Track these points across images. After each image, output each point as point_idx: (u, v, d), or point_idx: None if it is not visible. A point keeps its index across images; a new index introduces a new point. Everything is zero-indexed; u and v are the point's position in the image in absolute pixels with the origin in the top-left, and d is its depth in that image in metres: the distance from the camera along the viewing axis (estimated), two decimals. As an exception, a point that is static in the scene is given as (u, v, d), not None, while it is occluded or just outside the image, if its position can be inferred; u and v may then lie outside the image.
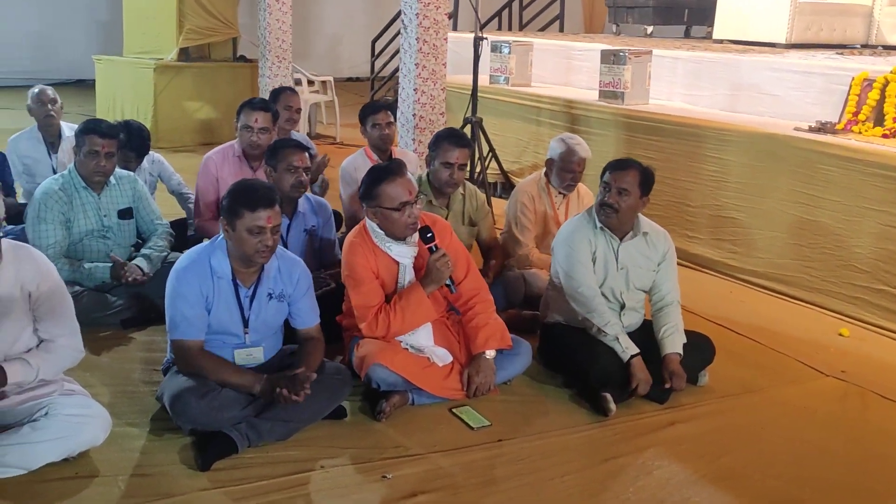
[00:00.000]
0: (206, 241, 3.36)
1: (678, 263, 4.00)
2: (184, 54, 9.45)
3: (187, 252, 3.33)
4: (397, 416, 3.44)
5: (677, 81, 6.78)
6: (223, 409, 3.10)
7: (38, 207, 4.14)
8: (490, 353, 3.59)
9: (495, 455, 3.23)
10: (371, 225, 3.56)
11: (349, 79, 15.55)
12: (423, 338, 3.58)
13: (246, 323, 3.29)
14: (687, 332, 3.82)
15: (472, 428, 3.40)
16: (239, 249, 3.17)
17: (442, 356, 3.58)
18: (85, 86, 11.32)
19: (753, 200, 5.30)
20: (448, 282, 3.57)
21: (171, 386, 3.17)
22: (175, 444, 3.15)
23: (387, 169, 3.52)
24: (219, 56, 9.94)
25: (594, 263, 3.79)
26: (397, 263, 3.58)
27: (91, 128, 4.15)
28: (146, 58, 9.39)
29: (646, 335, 3.78)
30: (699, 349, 3.84)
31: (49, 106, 5.35)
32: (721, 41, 8.38)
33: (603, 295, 3.78)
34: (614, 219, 3.74)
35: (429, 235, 3.53)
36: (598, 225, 3.78)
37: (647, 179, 3.74)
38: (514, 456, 3.23)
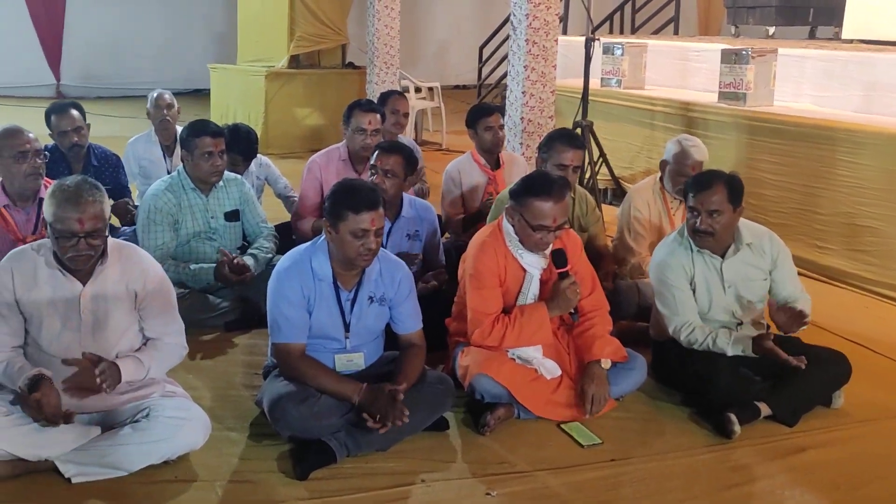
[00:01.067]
0: (307, 244, 3.27)
1: (807, 276, 3.68)
2: (294, 61, 9.57)
3: (289, 253, 3.25)
4: (502, 429, 3.26)
5: (805, 82, 6.36)
6: (322, 416, 2.99)
7: (147, 209, 4.17)
8: (606, 363, 3.37)
9: (607, 476, 3.01)
10: (507, 227, 3.41)
11: (456, 87, 15.49)
12: (531, 349, 3.40)
13: (347, 327, 3.18)
14: (819, 349, 3.50)
15: (581, 446, 3.19)
16: (341, 252, 3.07)
17: (551, 369, 3.38)
18: (202, 95, 11.62)
19: (892, 208, 4.87)
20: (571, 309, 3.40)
21: (270, 391, 3.08)
22: (273, 451, 3.07)
23: (548, 185, 3.31)
24: (328, 63, 10.04)
25: (694, 291, 3.53)
26: (524, 272, 3.41)
27: (200, 129, 4.15)
28: (258, 65, 9.56)
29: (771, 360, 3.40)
30: (833, 367, 3.49)
31: (165, 111, 5.43)
32: (851, 41, 7.85)
33: (714, 320, 3.52)
34: (711, 241, 3.47)
35: (561, 261, 3.36)
36: (695, 249, 3.52)
37: (735, 190, 3.45)
38: (627, 478, 3.00)
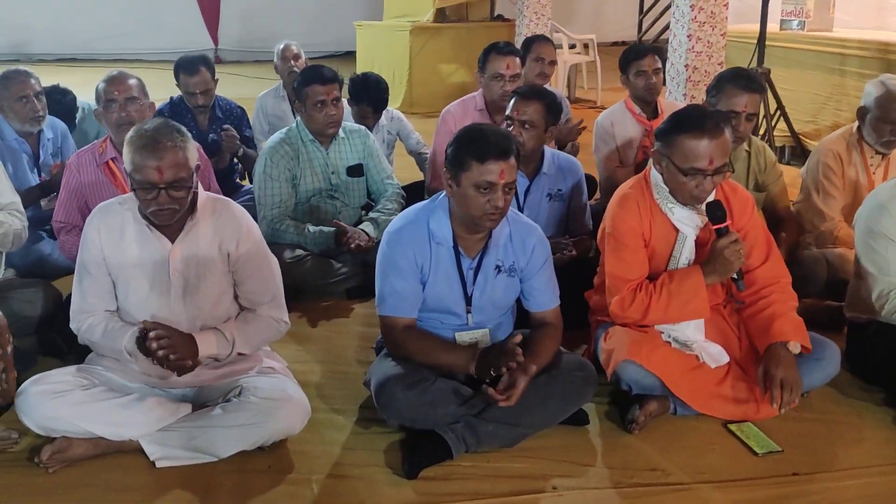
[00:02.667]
0: (425, 201, 2.80)
1: None
2: (440, 15, 9.16)
3: (404, 212, 2.80)
4: (654, 427, 2.70)
5: None
6: (436, 403, 2.53)
7: (264, 163, 3.84)
8: (794, 347, 2.71)
9: (788, 495, 2.40)
10: (655, 176, 2.81)
11: (614, 43, 14.59)
12: (691, 330, 2.79)
13: (468, 300, 2.69)
14: None
15: (755, 453, 2.58)
16: (463, 209, 2.57)
17: (716, 355, 2.77)
18: (351, 57, 11.47)
19: None
20: (735, 275, 2.75)
21: (378, 371, 2.65)
22: (381, 440, 2.65)
23: (701, 118, 2.68)
24: (476, 16, 9.57)
25: None
26: (676, 231, 2.81)
27: (310, 77, 3.77)
28: (403, 21, 9.20)
29: None
30: None
31: (292, 62, 5.17)
32: None
33: None
34: None
35: (719, 214, 2.70)
36: None
37: None
38: (814, 498, 2.39)
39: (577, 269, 3.32)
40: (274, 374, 2.69)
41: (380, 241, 3.61)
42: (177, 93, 4.67)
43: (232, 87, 4.87)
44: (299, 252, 3.73)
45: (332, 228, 3.76)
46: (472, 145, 2.53)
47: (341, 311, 3.69)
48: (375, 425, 2.72)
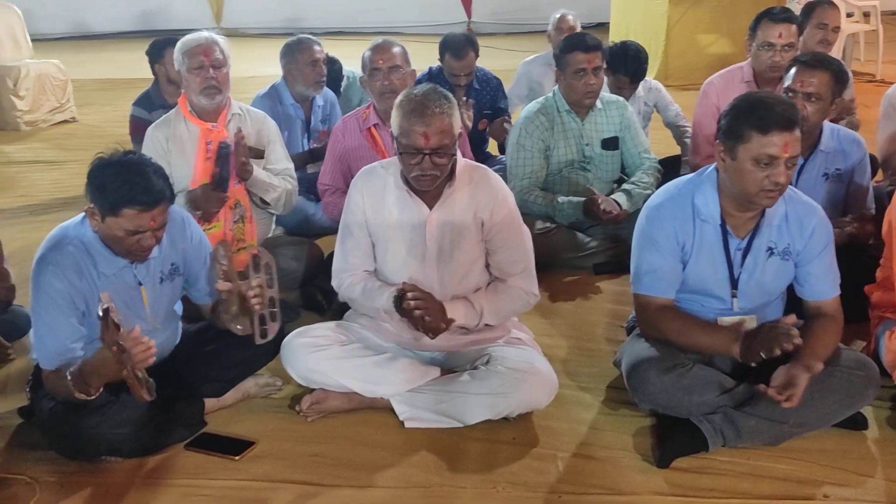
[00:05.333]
0: (691, 174, 2.61)
1: None
2: (702, -17, 8.62)
3: (665, 186, 2.63)
4: (949, 443, 2.37)
5: None
6: (692, 390, 2.36)
7: (518, 133, 3.80)
8: None
9: None
10: None
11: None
12: None
13: (734, 283, 2.49)
14: None
15: None
16: (737, 185, 2.36)
17: None
18: (602, 28, 11.22)
19: None
20: None
21: (630, 352, 2.52)
22: (631, 423, 2.53)
23: None
24: (741, -17, 8.90)
25: None
26: None
27: (573, 43, 3.66)
28: (663, -11, 8.77)
29: None
30: None
31: (568, 34, 5.09)
32: None
33: None
34: None
35: None
36: None
37: None
38: None
39: (855, 256, 2.98)
40: (522, 344, 2.65)
41: (631, 213, 3.50)
42: (434, 63, 4.73)
43: (484, 59, 4.88)
44: (547, 224, 3.66)
45: (582, 199, 3.66)
46: (752, 115, 2.31)
47: (588, 287, 3.57)
48: (624, 407, 2.60)
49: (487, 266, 2.68)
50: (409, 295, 2.45)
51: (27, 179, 5.56)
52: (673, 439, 2.36)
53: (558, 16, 5.18)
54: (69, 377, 2.24)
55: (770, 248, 2.46)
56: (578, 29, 5.13)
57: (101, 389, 2.27)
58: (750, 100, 2.37)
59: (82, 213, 2.39)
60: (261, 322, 2.51)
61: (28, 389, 2.55)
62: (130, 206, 2.26)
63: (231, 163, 3.15)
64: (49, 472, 2.35)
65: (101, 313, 2.10)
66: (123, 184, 2.26)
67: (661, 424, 2.47)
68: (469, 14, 14.20)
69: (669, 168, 4.10)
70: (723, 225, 2.46)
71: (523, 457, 2.40)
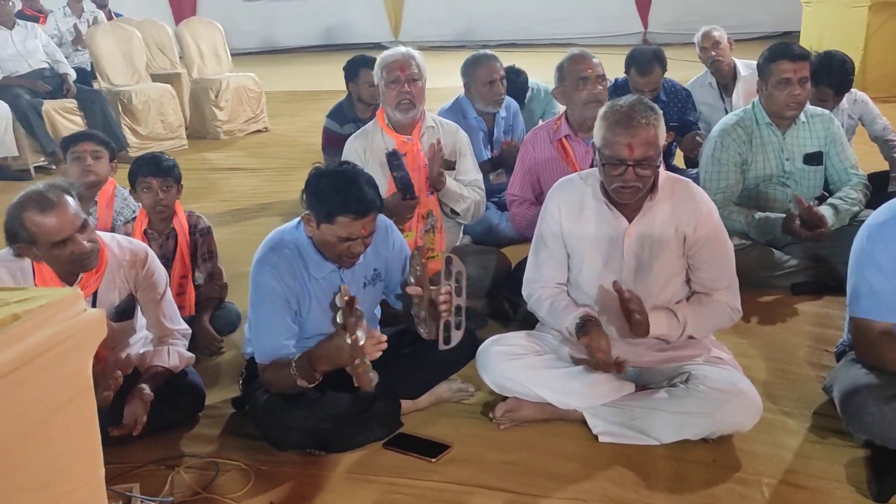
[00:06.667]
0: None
1: None
2: (905, -11, 8.06)
3: (889, 203, 2.44)
4: None
5: None
6: (915, 423, 2.20)
7: (713, 146, 3.67)
8: None
9: None
10: None
11: None
12: None
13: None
14: None
15: None
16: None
17: None
18: (790, 38, 10.70)
19: None
20: None
21: (844, 378, 2.38)
22: (842, 453, 2.39)
23: None
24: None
25: None
26: None
27: (778, 52, 3.50)
28: (855, -4, 8.29)
29: None
30: None
31: (712, 52, 5.01)
32: None
33: None
34: None
35: None
36: None
37: None
38: None
39: None
40: (723, 364, 2.56)
41: (839, 229, 3.32)
42: (614, 75, 4.69)
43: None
44: (743, 241, 3.52)
45: (780, 215, 3.49)
46: None
47: (785, 307, 3.41)
48: (833, 436, 2.46)
49: (687, 281, 2.62)
50: (627, 295, 2.42)
51: (228, 185, 5.96)
52: (893, 474, 2.21)
53: (702, 32, 5.06)
54: (293, 364, 2.37)
55: None
56: (723, 43, 4.97)
57: (321, 378, 2.39)
58: None
59: (298, 219, 2.53)
60: (445, 329, 2.56)
61: (241, 382, 2.72)
62: (344, 214, 2.37)
63: (404, 165, 3.23)
64: (261, 461, 2.48)
65: (343, 302, 2.21)
66: (338, 193, 2.37)
67: (876, 457, 2.31)
68: (646, 25, 13.95)
69: (878, 184, 3.86)
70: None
71: (726, 480, 2.31)
